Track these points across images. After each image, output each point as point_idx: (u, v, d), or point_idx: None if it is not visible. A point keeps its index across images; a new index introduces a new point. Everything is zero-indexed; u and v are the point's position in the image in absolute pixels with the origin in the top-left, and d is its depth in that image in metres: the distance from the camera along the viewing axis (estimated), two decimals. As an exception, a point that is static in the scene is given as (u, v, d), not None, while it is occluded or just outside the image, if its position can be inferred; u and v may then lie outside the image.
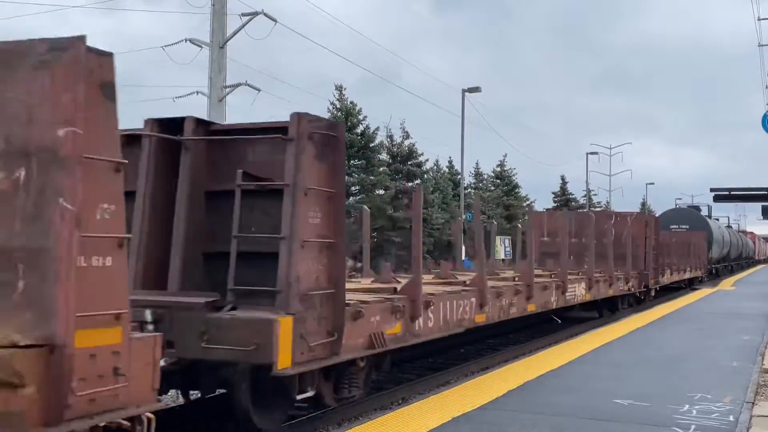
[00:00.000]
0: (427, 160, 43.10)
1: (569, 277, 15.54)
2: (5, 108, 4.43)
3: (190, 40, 26.86)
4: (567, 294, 15.40)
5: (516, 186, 60.19)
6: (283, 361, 6.59)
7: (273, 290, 6.81)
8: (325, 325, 7.15)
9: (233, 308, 6.87)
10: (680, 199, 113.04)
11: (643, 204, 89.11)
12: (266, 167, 7.49)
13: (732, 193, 23.99)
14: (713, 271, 40.33)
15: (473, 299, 10.94)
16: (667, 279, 26.02)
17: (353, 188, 38.35)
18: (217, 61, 26.76)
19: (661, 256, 25.34)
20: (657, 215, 36.30)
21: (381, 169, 39.79)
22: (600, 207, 68.87)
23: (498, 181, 60.14)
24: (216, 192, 7.68)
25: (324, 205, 7.27)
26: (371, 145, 39.32)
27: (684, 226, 36.35)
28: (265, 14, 27.24)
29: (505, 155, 63.19)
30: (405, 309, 8.87)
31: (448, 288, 11.11)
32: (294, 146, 7.11)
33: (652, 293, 23.65)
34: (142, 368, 4.79)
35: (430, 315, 9.57)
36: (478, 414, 7.37)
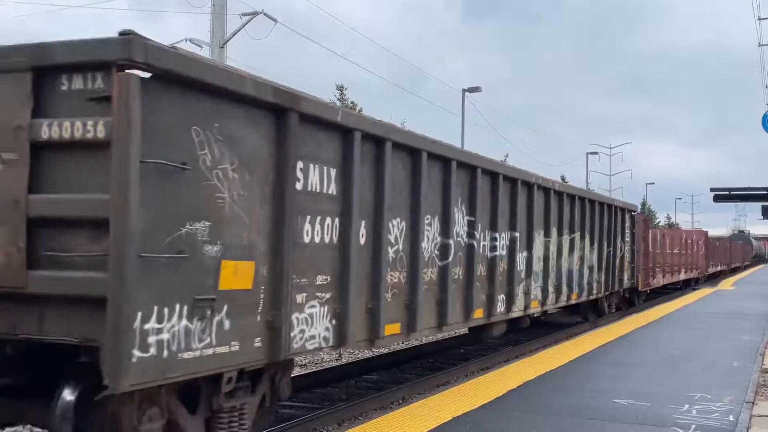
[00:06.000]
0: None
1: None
2: None
3: (190, 40, 26.85)
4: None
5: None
6: None
7: None
8: None
9: None
10: (680, 198, 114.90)
11: (644, 204, 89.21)
12: None
13: (732, 193, 23.95)
14: (751, 262, 76.89)
15: None
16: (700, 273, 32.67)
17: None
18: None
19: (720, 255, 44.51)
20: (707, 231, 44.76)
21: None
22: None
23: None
24: None
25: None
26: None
27: (739, 242, 66.00)
28: (266, 14, 27.22)
29: (507, 155, 63.34)
30: None
31: None
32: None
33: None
34: None
35: None
36: (478, 414, 7.37)
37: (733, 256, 53.68)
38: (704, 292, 29.01)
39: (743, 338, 14.06)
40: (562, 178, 70.18)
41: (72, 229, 4.99)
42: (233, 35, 27.02)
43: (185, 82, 5.18)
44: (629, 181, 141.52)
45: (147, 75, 4.87)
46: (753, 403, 8.23)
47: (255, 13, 27.16)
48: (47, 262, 5.00)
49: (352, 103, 39.22)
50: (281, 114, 6.19)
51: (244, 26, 26.99)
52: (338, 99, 39.05)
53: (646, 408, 7.73)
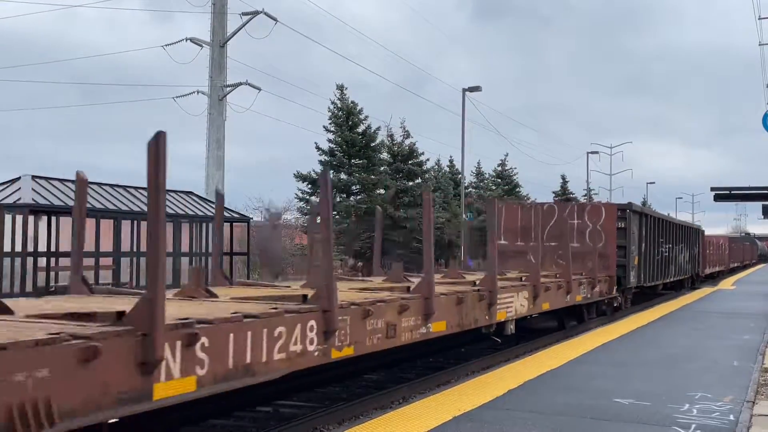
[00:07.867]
0: (428, 159, 43.08)
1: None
2: None
3: (191, 40, 26.84)
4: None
5: (517, 185, 60.44)
6: None
7: None
8: None
9: None
10: (681, 198, 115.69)
11: (644, 203, 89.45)
12: None
13: (732, 192, 23.92)
14: (757, 260, 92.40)
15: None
16: (711, 269, 41.33)
17: (354, 187, 38.34)
18: (218, 61, 26.69)
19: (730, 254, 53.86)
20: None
21: (382, 168, 39.77)
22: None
23: (499, 180, 60.40)
24: None
25: None
26: (372, 144, 39.31)
27: (747, 243, 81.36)
28: (266, 14, 27.18)
29: (507, 155, 63.52)
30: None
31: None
32: None
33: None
34: None
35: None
36: (478, 413, 7.36)
37: (744, 255, 71.91)
38: (705, 291, 29.02)
39: (744, 337, 14.06)
40: (563, 178, 70.35)
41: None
42: (233, 35, 26.95)
43: (635, 211, 20.30)
44: (630, 180, 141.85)
45: (634, 211, 20.24)
46: (753, 402, 8.22)
47: (255, 13, 27.10)
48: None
49: (352, 102, 39.18)
50: (641, 215, 21.05)
51: (243, 26, 26.94)
52: (338, 99, 39.04)
53: (647, 407, 7.73)
